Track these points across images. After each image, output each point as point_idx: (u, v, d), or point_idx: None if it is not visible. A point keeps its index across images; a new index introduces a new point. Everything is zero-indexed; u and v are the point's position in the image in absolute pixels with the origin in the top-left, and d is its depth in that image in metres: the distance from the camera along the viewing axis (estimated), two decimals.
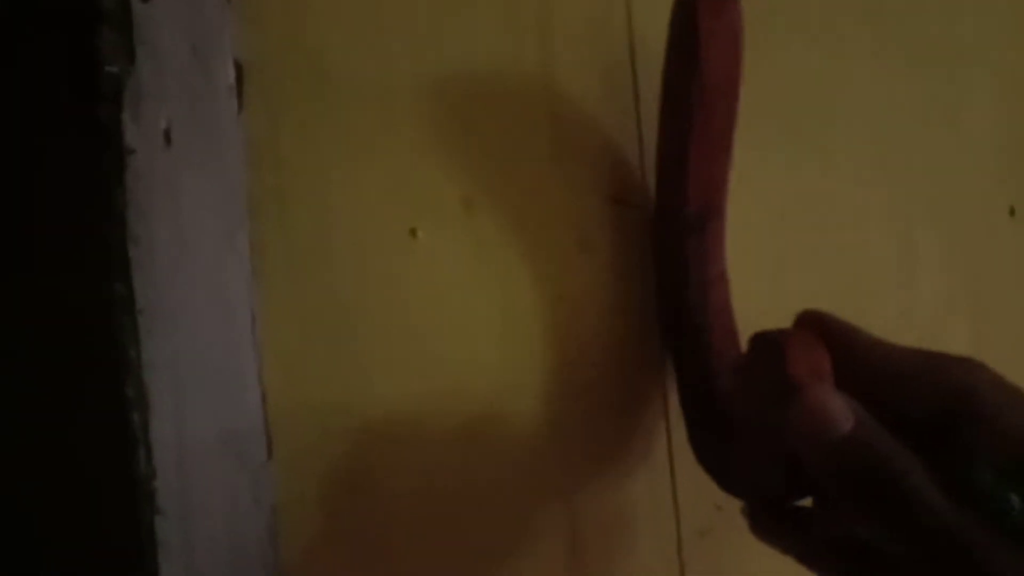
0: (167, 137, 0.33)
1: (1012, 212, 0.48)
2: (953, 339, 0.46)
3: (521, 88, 0.37)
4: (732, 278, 0.37)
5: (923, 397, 0.26)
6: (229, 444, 0.33)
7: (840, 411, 0.25)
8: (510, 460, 0.37)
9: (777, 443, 0.27)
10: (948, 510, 0.24)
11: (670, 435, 0.39)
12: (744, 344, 0.30)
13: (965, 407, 0.26)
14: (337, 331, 0.34)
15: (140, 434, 0.32)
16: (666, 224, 0.37)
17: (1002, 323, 0.47)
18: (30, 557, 0.35)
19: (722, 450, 0.36)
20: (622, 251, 0.38)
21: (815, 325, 0.29)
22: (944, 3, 0.47)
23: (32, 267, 0.35)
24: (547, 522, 0.37)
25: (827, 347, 0.28)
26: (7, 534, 0.34)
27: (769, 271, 0.42)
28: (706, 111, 0.34)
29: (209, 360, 0.33)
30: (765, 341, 0.29)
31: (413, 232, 0.35)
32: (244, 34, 0.33)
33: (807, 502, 0.32)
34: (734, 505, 0.34)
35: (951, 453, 0.25)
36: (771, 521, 0.32)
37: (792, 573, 0.33)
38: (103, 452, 0.33)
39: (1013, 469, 0.25)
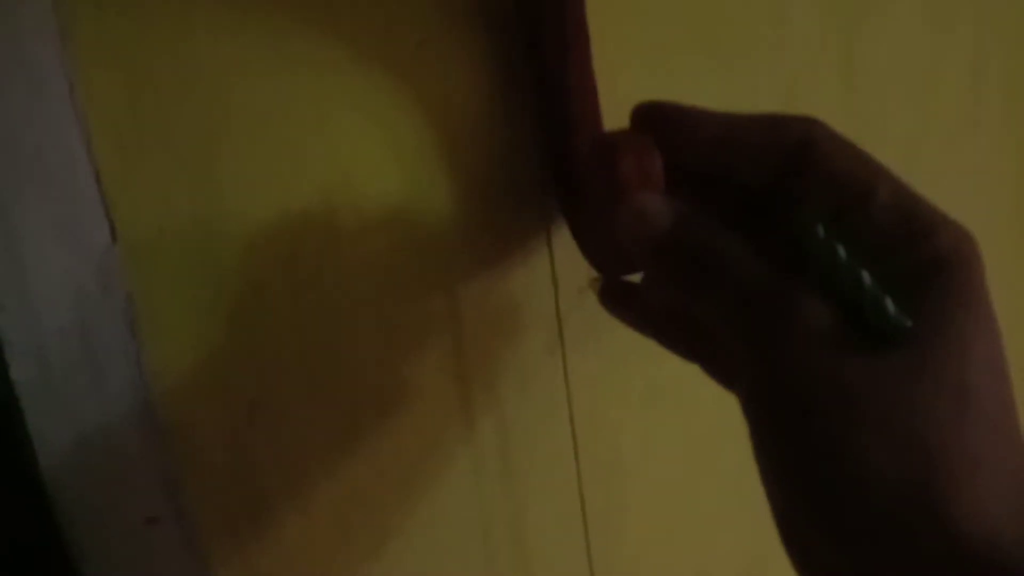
0: None
1: None
2: (822, 80, 0.45)
3: None
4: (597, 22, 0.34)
5: (760, 154, 0.28)
6: (65, 229, 0.30)
7: (660, 212, 0.27)
8: (382, 232, 0.35)
9: (610, 236, 0.29)
10: (759, 273, 0.25)
11: (547, 188, 0.37)
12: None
13: (802, 158, 0.27)
14: (176, 96, 0.31)
15: None
16: None
17: (875, 64, 0.47)
18: None
19: (575, 215, 0.36)
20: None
21: (649, 117, 0.30)
22: None
23: None
24: (427, 297, 0.36)
25: (665, 132, 0.29)
26: None
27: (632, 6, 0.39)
28: None
29: (25, 140, 0.29)
30: (602, 145, 0.30)
31: None
32: None
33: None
34: None
35: (787, 209, 0.26)
36: (613, 294, 0.34)
37: None
38: None
39: (845, 218, 0.25)
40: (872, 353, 0.24)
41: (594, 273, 0.36)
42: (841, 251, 0.24)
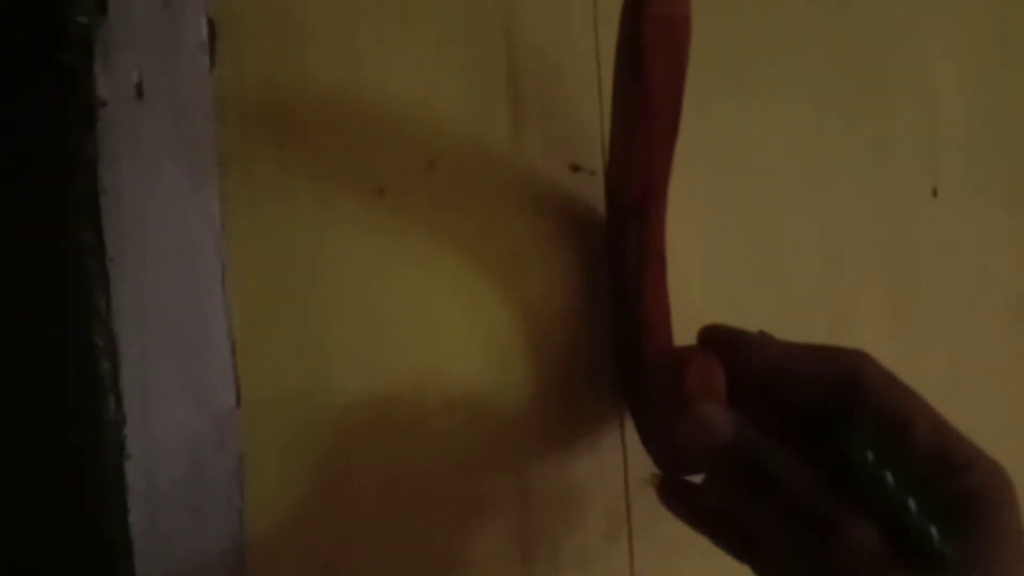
0: (139, 90, 0.33)
1: (935, 193, 0.51)
2: (869, 310, 0.49)
3: (484, 53, 0.38)
4: (673, 248, 0.39)
5: (814, 382, 0.31)
6: (196, 391, 0.34)
7: (722, 424, 0.30)
8: (464, 414, 0.38)
9: (673, 439, 0.32)
10: (815, 493, 0.28)
11: (619, 389, 0.41)
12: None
13: (851, 388, 0.30)
14: (303, 284, 0.35)
15: (109, 381, 0.33)
16: (613, 206, 0.40)
17: (919, 299, 0.51)
18: None
19: (642, 416, 0.39)
20: (577, 216, 0.40)
21: (715, 339, 0.34)
22: None
23: (1, 214, 0.35)
24: (500, 477, 0.39)
25: (729, 353, 0.33)
26: None
27: (704, 239, 0.44)
28: (649, 117, 0.35)
29: (178, 309, 0.34)
30: (671, 358, 0.34)
31: (380, 191, 0.36)
32: None
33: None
34: None
35: (838, 433, 0.29)
36: (672, 492, 0.37)
37: None
38: (72, 399, 0.33)
39: (889, 446, 0.28)
40: (913, 572, 0.26)
41: (656, 469, 0.39)
42: (889, 477, 0.27)
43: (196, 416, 0.34)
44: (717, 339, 0.33)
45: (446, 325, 0.38)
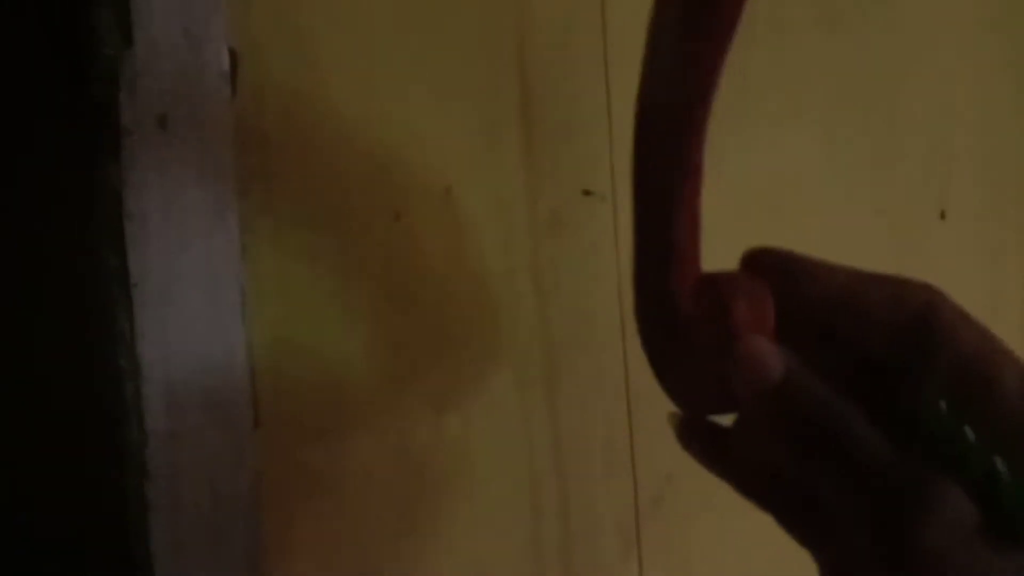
0: (162, 122, 0.34)
1: (943, 215, 0.52)
2: None
3: (498, 84, 0.39)
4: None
5: (884, 316, 0.26)
6: (216, 413, 0.35)
7: (773, 361, 0.25)
8: (478, 441, 0.39)
9: (706, 376, 0.28)
10: (884, 449, 0.24)
11: (630, 408, 0.41)
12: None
13: (922, 328, 0.25)
14: (321, 308, 0.36)
15: (132, 403, 0.33)
16: (647, 112, 0.32)
17: None
18: (24, 520, 0.36)
19: (666, 349, 0.32)
20: (589, 236, 0.40)
21: (764, 262, 0.28)
22: (886, 22, 0.51)
23: (29, 241, 0.36)
24: (512, 487, 0.40)
25: (780, 281, 0.27)
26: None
27: (713, 258, 0.44)
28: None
29: (199, 332, 0.34)
30: (714, 285, 0.29)
31: (397, 216, 0.37)
32: (235, 21, 0.34)
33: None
34: (683, 475, 0.37)
35: (909, 383, 0.25)
36: (694, 434, 0.31)
37: (732, 539, 0.36)
38: (96, 420, 0.34)
39: (971, 400, 0.24)
40: (1007, 547, 0.22)
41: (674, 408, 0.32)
42: (971, 434, 0.23)
43: (216, 437, 0.35)
44: (766, 263, 0.28)
45: (463, 346, 0.39)
